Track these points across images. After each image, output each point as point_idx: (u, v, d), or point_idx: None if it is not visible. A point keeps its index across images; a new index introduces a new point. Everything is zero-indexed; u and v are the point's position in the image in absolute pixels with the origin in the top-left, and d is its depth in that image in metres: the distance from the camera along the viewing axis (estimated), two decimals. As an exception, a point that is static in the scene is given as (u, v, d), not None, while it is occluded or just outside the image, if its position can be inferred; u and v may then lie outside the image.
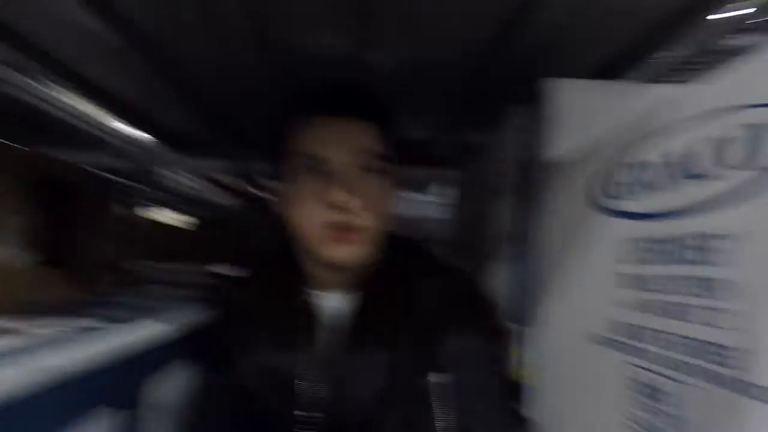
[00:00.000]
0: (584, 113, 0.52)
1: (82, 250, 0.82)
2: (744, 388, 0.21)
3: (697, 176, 0.26)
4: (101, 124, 1.16)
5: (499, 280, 0.60)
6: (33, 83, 0.90)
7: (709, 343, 0.23)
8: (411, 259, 0.57)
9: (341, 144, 0.50)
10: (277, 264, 0.60)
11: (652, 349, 0.28)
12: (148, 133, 1.22)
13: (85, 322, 0.46)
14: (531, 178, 0.54)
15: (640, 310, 0.30)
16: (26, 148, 0.73)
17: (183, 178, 1.82)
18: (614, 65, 0.73)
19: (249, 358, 0.54)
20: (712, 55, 0.69)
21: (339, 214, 0.48)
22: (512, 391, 0.48)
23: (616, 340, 0.32)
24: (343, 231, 0.48)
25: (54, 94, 0.97)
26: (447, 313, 0.50)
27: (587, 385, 0.37)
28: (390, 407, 0.50)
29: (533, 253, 0.52)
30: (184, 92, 0.94)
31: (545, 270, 0.48)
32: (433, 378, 0.48)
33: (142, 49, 0.76)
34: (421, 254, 0.58)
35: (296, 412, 0.51)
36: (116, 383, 0.42)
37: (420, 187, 1.64)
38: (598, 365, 0.35)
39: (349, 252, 0.49)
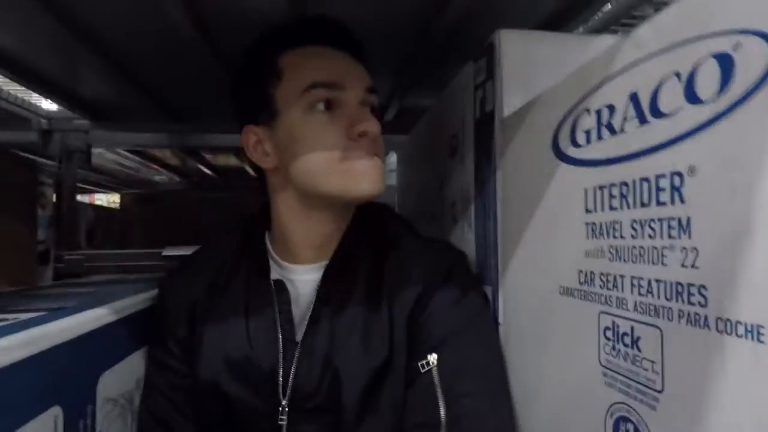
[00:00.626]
0: (538, 65, 0.51)
1: (8, 239, 0.74)
2: (722, 326, 0.21)
3: (664, 114, 0.25)
4: (23, 101, 1.04)
5: (463, 243, 0.60)
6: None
7: (686, 284, 0.23)
8: (387, 226, 0.56)
9: (355, 74, 0.51)
10: (236, 241, 0.58)
11: (627, 296, 0.28)
12: (78, 110, 1.10)
13: (24, 315, 0.41)
14: (489, 136, 0.53)
15: (612, 258, 0.30)
16: None
17: (119, 157, 1.69)
18: (561, 17, 0.74)
19: (212, 349, 0.51)
20: (658, 6, 0.71)
21: (369, 145, 0.48)
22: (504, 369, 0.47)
23: (588, 291, 0.32)
24: (370, 161, 0.48)
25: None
26: (432, 289, 0.48)
27: (560, 339, 0.38)
28: (376, 392, 0.46)
29: (497, 211, 0.51)
30: (110, 63, 0.85)
31: (511, 227, 0.48)
32: (421, 359, 0.45)
33: (61, 17, 0.67)
34: (398, 222, 0.58)
35: (282, 402, 0.47)
36: (68, 380, 0.38)
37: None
38: (571, 318, 0.35)
39: (377, 183, 0.49)
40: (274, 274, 0.54)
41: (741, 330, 0.20)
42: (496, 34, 0.51)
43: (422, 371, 0.45)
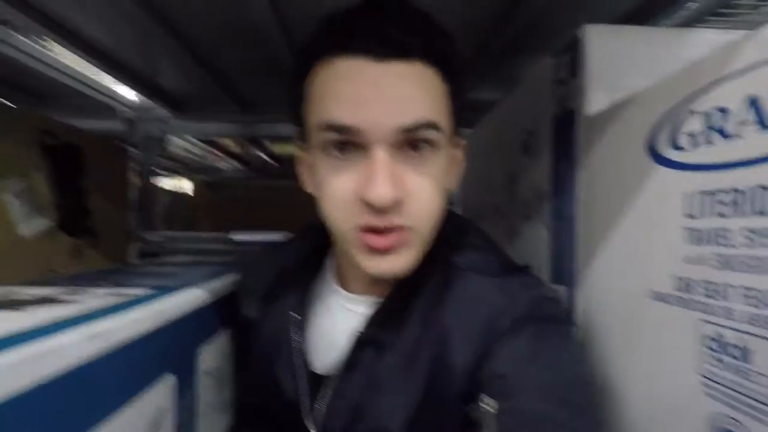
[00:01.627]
0: (625, 61, 0.49)
1: (101, 220, 0.81)
2: None
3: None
4: (108, 89, 1.13)
5: (536, 240, 0.60)
6: (38, 47, 0.87)
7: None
8: (460, 251, 0.46)
9: (383, 108, 0.35)
10: (303, 254, 0.54)
11: (737, 307, 0.27)
12: (156, 99, 1.18)
13: (133, 291, 0.46)
14: (570, 134, 0.52)
15: (717, 267, 0.29)
16: (31, 110, 0.71)
17: (188, 144, 1.79)
18: (644, 11, 0.70)
19: (253, 359, 0.51)
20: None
21: (377, 216, 0.36)
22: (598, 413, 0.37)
23: (686, 298, 0.32)
24: (379, 237, 0.37)
25: (57, 57, 0.93)
26: (499, 325, 0.39)
27: (650, 344, 0.37)
28: None
29: (578, 211, 0.51)
30: (192, 55, 0.90)
31: (593, 228, 0.48)
32: (478, 405, 0.36)
33: (153, 12, 0.72)
34: (472, 247, 0.47)
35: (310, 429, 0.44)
36: (176, 351, 0.43)
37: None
38: (664, 324, 0.34)
39: (389, 266, 0.38)
40: (329, 300, 0.49)
41: None
42: (581, 29, 0.50)
43: (475, 414, 0.37)
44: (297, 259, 0.54)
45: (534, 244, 0.61)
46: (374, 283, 0.45)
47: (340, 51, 0.36)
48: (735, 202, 0.28)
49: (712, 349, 0.30)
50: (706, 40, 0.49)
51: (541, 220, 0.59)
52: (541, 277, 0.55)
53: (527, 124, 0.64)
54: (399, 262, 0.38)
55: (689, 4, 0.68)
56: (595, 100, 0.49)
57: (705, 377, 0.30)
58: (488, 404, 0.36)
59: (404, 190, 0.36)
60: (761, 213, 0.26)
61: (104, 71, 0.98)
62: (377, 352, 0.42)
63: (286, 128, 1.34)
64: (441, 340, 0.40)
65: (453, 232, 0.47)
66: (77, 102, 1.18)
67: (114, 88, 1.17)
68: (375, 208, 0.35)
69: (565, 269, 0.53)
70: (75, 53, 0.85)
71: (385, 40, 0.35)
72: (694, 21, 0.71)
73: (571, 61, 0.52)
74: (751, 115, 0.27)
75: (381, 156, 0.35)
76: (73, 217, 0.72)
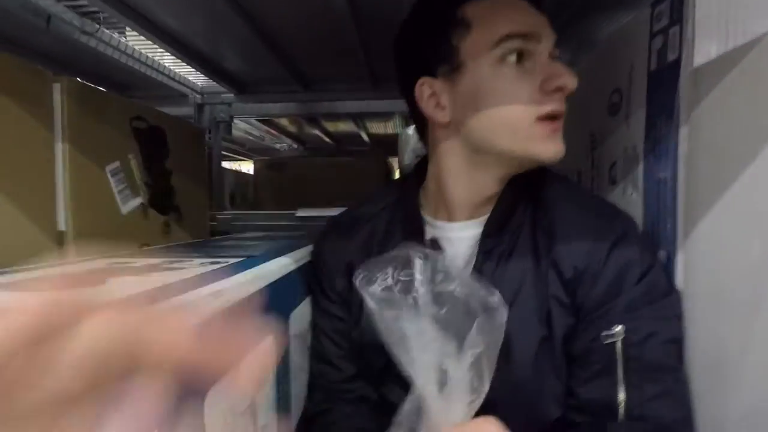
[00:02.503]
0: (737, 5, 0.44)
1: (184, 199, 0.86)
2: None
3: None
4: (179, 75, 1.18)
5: (626, 205, 0.57)
6: (120, 38, 0.92)
7: None
8: (548, 185, 0.52)
9: (546, 25, 0.48)
10: (391, 202, 0.58)
11: None
12: (221, 82, 1.22)
13: (231, 260, 0.49)
14: (670, 89, 0.48)
15: None
16: (123, 96, 0.75)
17: (248, 125, 1.85)
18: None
19: (365, 332, 0.52)
20: None
21: (558, 102, 0.46)
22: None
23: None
24: (556, 121, 0.46)
25: (134, 46, 0.98)
26: (599, 259, 0.44)
27: (762, 307, 0.34)
28: (542, 358, 0.45)
29: (678, 171, 0.47)
30: (257, 34, 0.92)
31: (699, 188, 0.44)
32: (602, 330, 0.42)
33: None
34: (560, 181, 0.54)
35: None
36: (272, 314, 0.45)
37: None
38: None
39: (561, 147, 0.47)
40: (429, 234, 0.54)
41: None
42: (685, -29, 0.46)
43: (605, 342, 0.42)
44: (385, 208, 0.57)
45: (625, 208, 0.57)
46: (476, 206, 0.52)
47: None
48: None
49: None
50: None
51: (631, 182, 0.56)
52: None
53: (614, 83, 0.60)
54: (562, 145, 0.48)
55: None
56: (703, 50, 0.44)
57: None
58: (615, 332, 0.42)
59: None
60: None
61: (175, 56, 1.03)
62: (497, 263, 0.48)
63: (344, 106, 1.34)
64: (548, 247, 0.47)
65: (540, 172, 0.53)
66: (152, 91, 1.25)
67: (184, 75, 1.22)
68: (560, 95, 0.46)
69: (662, 233, 0.50)
70: (150, 40, 0.90)
71: None
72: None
73: (672, 7, 0.48)
74: None
75: (544, 56, 0.47)
76: (161, 196, 0.77)
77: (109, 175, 0.64)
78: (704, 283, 0.44)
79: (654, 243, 0.51)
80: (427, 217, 0.54)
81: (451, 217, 0.53)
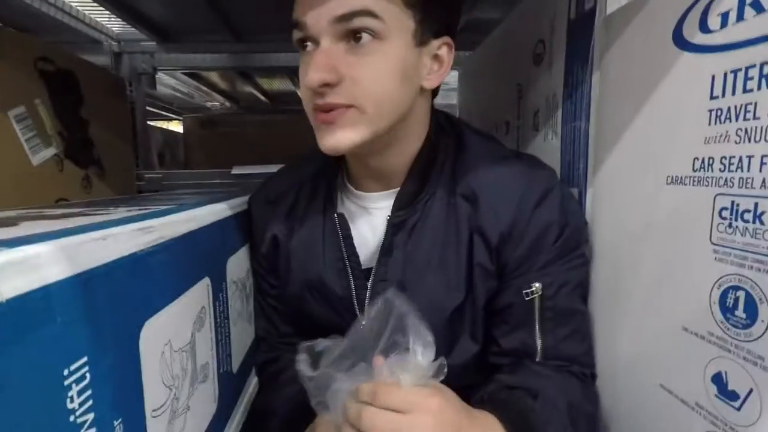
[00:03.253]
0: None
1: (106, 153, 0.80)
2: None
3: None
4: (92, 20, 1.07)
5: (546, 149, 0.61)
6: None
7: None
8: (466, 146, 0.52)
9: (318, 2, 0.41)
10: (313, 171, 0.57)
11: (755, 175, 0.29)
12: (142, 29, 1.12)
13: (156, 207, 0.47)
14: (586, 36, 0.52)
15: (739, 141, 0.30)
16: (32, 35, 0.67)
17: (177, 82, 1.72)
18: None
19: (295, 271, 0.55)
20: None
21: (318, 97, 0.42)
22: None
23: (703, 177, 0.34)
24: (323, 113, 0.43)
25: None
26: (523, 218, 0.46)
27: (663, 227, 0.40)
28: (454, 325, 0.48)
29: (590, 113, 0.51)
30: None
31: (607, 128, 0.49)
32: (524, 287, 0.45)
33: None
34: (479, 139, 0.53)
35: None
36: (209, 257, 0.44)
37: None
38: (679, 205, 0.37)
39: (337, 140, 0.43)
40: (348, 204, 0.54)
41: None
42: None
43: (525, 299, 0.46)
44: (312, 174, 0.57)
45: (543, 153, 0.62)
46: (382, 177, 0.51)
47: None
48: (763, 75, 0.29)
49: (723, 218, 0.32)
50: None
51: (551, 127, 0.60)
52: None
53: (538, 34, 0.63)
54: (346, 137, 0.43)
55: None
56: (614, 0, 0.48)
57: (715, 244, 0.33)
58: (534, 288, 0.46)
59: (339, 73, 0.42)
60: (790, 80, 0.27)
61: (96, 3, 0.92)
62: (409, 233, 0.49)
63: (279, 58, 1.29)
64: (470, 213, 0.48)
65: (449, 125, 0.54)
66: (63, 37, 1.12)
67: (97, 19, 1.11)
68: (314, 91, 0.42)
69: (575, 173, 0.54)
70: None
71: None
72: None
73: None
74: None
75: (321, 46, 0.42)
76: (78, 147, 0.71)
77: (13, 121, 0.58)
78: (606, 215, 0.49)
79: (569, 182, 0.55)
80: (350, 186, 0.55)
81: (366, 189, 0.53)
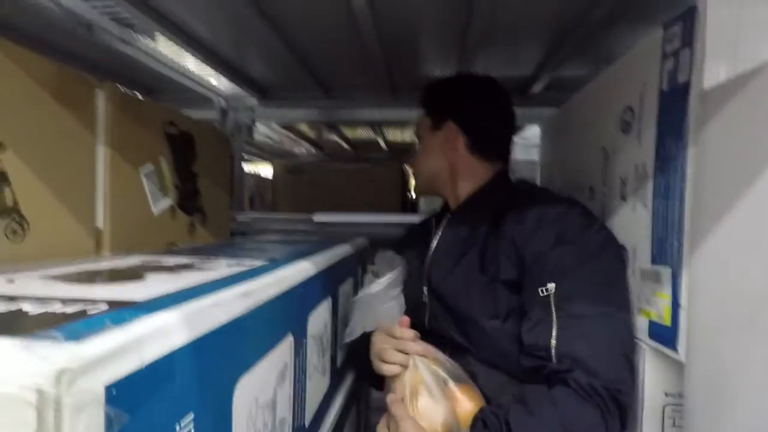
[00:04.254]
0: (748, 29, 0.46)
1: (209, 201, 0.90)
2: None
3: None
4: (205, 80, 1.22)
5: (634, 221, 0.58)
6: (149, 43, 0.96)
7: None
8: (518, 185, 0.72)
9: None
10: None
11: None
12: (245, 87, 1.26)
13: (251, 262, 0.52)
14: (680, 110, 0.50)
15: None
16: (154, 101, 0.79)
17: (268, 130, 1.89)
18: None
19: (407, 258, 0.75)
20: None
21: None
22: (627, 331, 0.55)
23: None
24: None
25: (163, 51, 1.02)
26: (543, 221, 0.60)
27: (760, 330, 0.36)
28: (485, 307, 0.62)
29: (684, 190, 0.49)
30: (283, 43, 0.95)
31: (706, 208, 0.46)
32: (540, 286, 0.55)
33: (250, 5, 0.77)
34: (530, 185, 0.73)
35: (424, 287, 0.72)
36: (293, 314, 0.48)
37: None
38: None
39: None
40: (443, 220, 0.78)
41: None
42: (698, -3, 0.47)
43: (541, 295, 0.55)
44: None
45: (631, 225, 0.59)
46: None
47: None
48: None
49: None
50: None
51: (641, 199, 0.57)
52: (640, 257, 0.55)
53: (626, 101, 0.62)
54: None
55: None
56: (713, 73, 0.46)
57: None
58: (548, 287, 0.56)
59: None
60: None
61: (202, 62, 1.07)
62: (456, 223, 0.73)
63: (363, 113, 1.38)
64: (505, 221, 0.64)
65: (519, 184, 0.75)
66: (180, 95, 1.30)
67: (210, 80, 1.27)
68: None
69: (668, 249, 0.51)
70: (179, 46, 0.94)
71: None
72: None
73: (684, 30, 0.50)
74: None
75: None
76: (188, 198, 0.81)
77: (143, 177, 0.68)
78: (706, 301, 0.45)
79: (659, 259, 0.52)
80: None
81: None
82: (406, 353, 0.59)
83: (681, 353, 0.49)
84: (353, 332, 0.65)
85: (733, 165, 0.42)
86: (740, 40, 0.46)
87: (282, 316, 0.44)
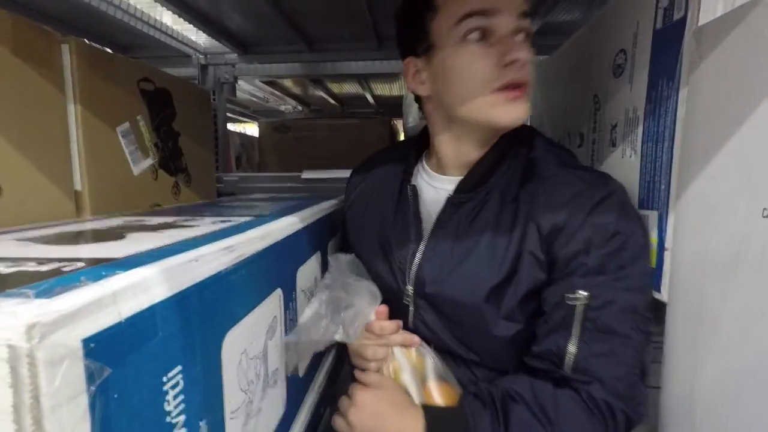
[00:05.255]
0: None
1: (192, 160, 0.87)
2: None
3: None
4: (183, 35, 1.17)
5: (623, 166, 0.58)
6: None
7: None
8: (536, 153, 0.55)
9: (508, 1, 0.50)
10: (402, 154, 0.66)
11: None
12: (225, 42, 1.21)
13: (236, 219, 0.51)
14: (674, 48, 0.48)
15: None
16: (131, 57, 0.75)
17: (253, 87, 1.83)
18: None
19: (364, 240, 0.64)
20: None
21: (517, 72, 0.49)
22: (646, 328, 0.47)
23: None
24: (518, 89, 0.50)
25: (136, 5, 0.97)
26: (576, 220, 0.47)
27: (752, 264, 0.36)
28: (497, 311, 0.50)
29: (675, 132, 0.48)
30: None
31: (694, 149, 0.45)
32: (569, 292, 0.46)
33: None
34: (549, 149, 0.56)
35: (407, 287, 0.57)
36: (281, 269, 0.47)
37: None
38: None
39: (522, 112, 0.51)
40: (419, 180, 0.62)
41: None
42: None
43: (567, 302, 0.47)
44: (400, 158, 0.66)
45: (620, 170, 0.59)
46: (463, 166, 0.57)
47: None
48: None
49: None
50: None
51: (631, 144, 0.57)
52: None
53: (619, 44, 0.60)
54: (524, 109, 0.51)
55: None
56: (709, 7, 0.44)
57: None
58: (579, 295, 0.46)
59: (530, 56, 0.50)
60: None
61: (177, 15, 1.01)
62: (466, 215, 0.54)
63: (349, 66, 1.33)
64: (529, 207, 0.51)
65: (527, 133, 0.57)
66: (156, 52, 1.24)
67: (187, 35, 1.21)
68: (519, 65, 0.48)
69: (655, 194, 0.51)
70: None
71: None
72: None
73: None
74: None
75: (513, 34, 0.50)
76: (170, 158, 0.79)
77: (120, 136, 0.65)
78: (690, 242, 0.46)
79: (648, 204, 0.52)
80: (428, 167, 0.62)
81: (443, 171, 0.60)
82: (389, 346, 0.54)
83: (664, 294, 0.50)
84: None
85: (724, 105, 0.41)
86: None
87: (269, 271, 0.44)
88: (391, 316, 0.57)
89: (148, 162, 0.71)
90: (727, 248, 0.40)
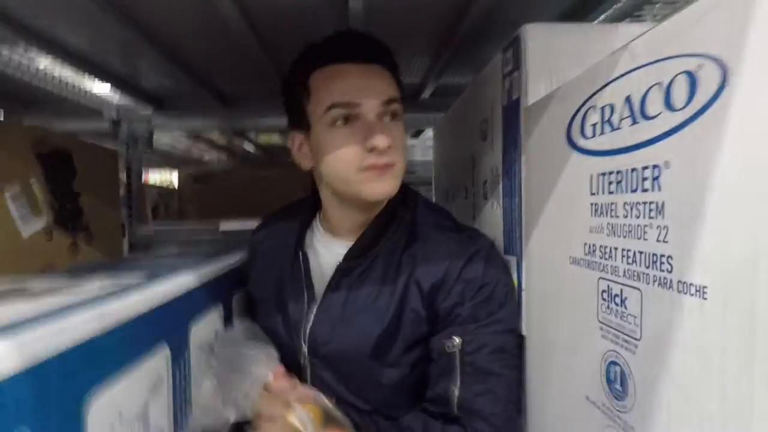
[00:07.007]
0: (562, 55, 0.55)
1: (94, 218, 0.86)
2: (681, 287, 0.28)
3: (649, 117, 0.31)
4: (91, 93, 1.16)
5: (493, 217, 0.66)
6: (17, 56, 0.90)
7: (659, 254, 0.30)
8: (417, 217, 0.61)
9: (371, 90, 0.56)
10: (300, 214, 0.70)
11: (619, 264, 0.34)
12: (138, 99, 1.22)
13: (126, 280, 0.52)
14: (515, 123, 0.59)
15: (609, 234, 0.36)
16: (22, 123, 0.75)
17: (177, 140, 1.82)
18: (585, 5, 0.76)
19: (263, 298, 0.67)
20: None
21: (379, 156, 0.54)
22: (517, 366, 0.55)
23: (591, 261, 0.39)
24: (382, 170, 0.55)
25: (39, 65, 0.97)
26: (452, 275, 0.54)
27: (569, 301, 0.44)
28: (383, 361, 0.55)
29: (522, 191, 0.57)
30: (168, 57, 0.94)
31: (532, 205, 0.54)
32: (446, 339, 0.52)
33: (121, 17, 0.75)
34: (428, 212, 0.63)
35: (303, 346, 0.59)
36: (169, 326, 0.49)
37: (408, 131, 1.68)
38: (577, 283, 0.41)
39: (388, 188, 0.56)
40: (314, 243, 0.66)
41: (692, 290, 0.27)
42: (522, 29, 0.56)
43: (447, 350, 0.53)
44: (295, 214, 0.70)
45: (492, 220, 0.67)
46: (351, 229, 0.62)
47: (334, 61, 0.57)
48: (618, 181, 0.35)
49: (604, 299, 0.37)
50: (631, 33, 0.55)
51: (496, 198, 0.66)
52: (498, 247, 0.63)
53: (484, 113, 0.70)
54: (390, 185, 0.56)
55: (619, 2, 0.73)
56: (535, 92, 0.55)
57: (601, 323, 0.37)
58: (455, 342, 0.53)
59: (392, 139, 0.54)
60: (632, 190, 0.33)
61: (86, 75, 1.02)
62: (354, 279, 0.59)
63: (267, 121, 1.38)
64: (411, 269, 0.57)
65: (410, 196, 0.64)
66: (65, 106, 1.22)
67: (97, 92, 1.20)
68: (379, 151, 0.53)
69: (513, 242, 0.60)
70: (57, 60, 0.89)
71: (362, 52, 0.57)
72: (627, 15, 0.77)
73: (513, 56, 0.58)
74: (626, 111, 0.34)
75: (376, 120, 0.55)
76: (68, 217, 0.78)
77: (9, 200, 0.64)
78: (533, 285, 0.54)
79: (509, 250, 0.61)
80: (322, 227, 0.67)
81: (334, 233, 0.65)
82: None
83: (524, 328, 0.57)
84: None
85: (544, 171, 0.51)
86: (555, 65, 0.55)
87: (151, 331, 0.45)
88: (289, 371, 0.59)
89: (40, 224, 0.70)
90: (554, 290, 0.48)
